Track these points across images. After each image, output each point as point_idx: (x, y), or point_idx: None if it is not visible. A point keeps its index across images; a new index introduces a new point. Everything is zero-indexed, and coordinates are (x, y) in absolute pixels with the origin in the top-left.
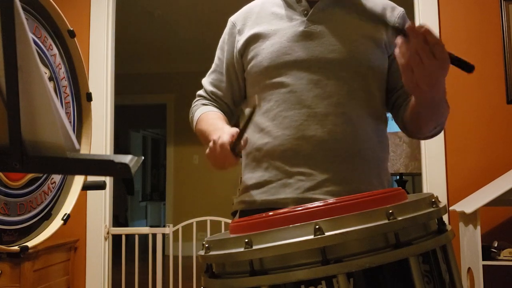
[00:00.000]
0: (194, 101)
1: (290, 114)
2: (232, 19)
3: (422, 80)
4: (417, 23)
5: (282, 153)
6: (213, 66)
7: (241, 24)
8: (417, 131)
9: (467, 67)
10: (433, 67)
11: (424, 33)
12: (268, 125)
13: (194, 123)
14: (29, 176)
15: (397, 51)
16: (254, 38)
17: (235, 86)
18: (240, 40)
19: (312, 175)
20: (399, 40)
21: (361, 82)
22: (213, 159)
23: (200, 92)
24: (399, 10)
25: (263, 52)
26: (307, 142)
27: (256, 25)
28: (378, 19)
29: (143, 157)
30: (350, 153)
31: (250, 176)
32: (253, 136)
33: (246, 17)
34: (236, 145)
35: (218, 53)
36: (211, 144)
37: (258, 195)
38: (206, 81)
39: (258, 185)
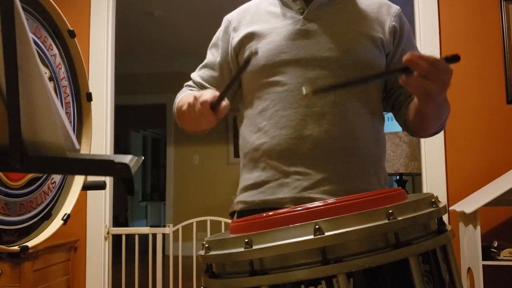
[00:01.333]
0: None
1: (286, 113)
2: (227, 17)
3: (435, 92)
4: (417, 23)
5: (279, 153)
6: (205, 61)
7: (236, 22)
8: (421, 130)
9: (455, 58)
10: (441, 79)
11: (425, 60)
12: (265, 124)
13: (176, 105)
14: (29, 176)
15: (405, 82)
16: (250, 37)
17: (226, 81)
18: (235, 38)
19: (309, 174)
20: (403, 77)
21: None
22: (190, 115)
23: (188, 83)
24: (395, 8)
25: (259, 51)
26: (304, 142)
27: (252, 23)
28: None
29: (143, 157)
30: (347, 152)
31: (248, 177)
32: (250, 136)
33: (242, 15)
34: (218, 102)
35: (211, 50)
36: (191, 100)
37: (256, 195)
38: (195, 75)
39: (256, 185)
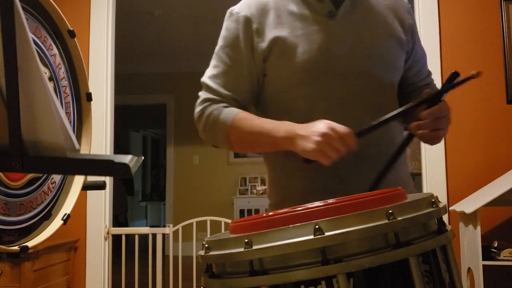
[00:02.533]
0: (205, 106)
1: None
2: (244, 13)
3: (444, 133)
4: (417, 23)
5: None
6: (223, 66)
7: (258, 22)
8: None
9: (454, 76)
10: (446, 121)
11: (427, 121)
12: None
13: (228, 124)
14: (29, 176)
15: (419, 131)
16: (279, 43)
17: (255, 88)
18: (262, 43)
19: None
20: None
21: (392, 88)
22: (329, 147)
23: (210, 95)
24: (407, 2)
25: (295, 61)
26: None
27: (277, 25)
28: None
29: (143, 157)
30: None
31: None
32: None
33: (262, 13)
34: (365, 133)
35: (227, 51)
36: (326, 130)
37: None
38: (216, 85)
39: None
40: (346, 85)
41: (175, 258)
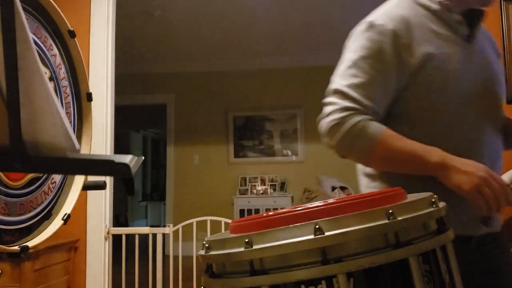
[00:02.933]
0: (347, 114)
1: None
2: (390, 27)
3: None
4: None
5: None
6: (366, 77)
7: (406, 37)
8: None
9: None
10: None
11: None
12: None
13: (376, 139)
14: (29, 176)
15: None
16: (431, 59)
17: (391, 102)
18: (411, 58)
19: None
20: None
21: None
22: (489, 193)
23: (352, 104)
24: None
25: (445, 79)
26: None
27: (424, 42)
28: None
29: (143, 157)
30: None
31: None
32: None
33: (407, 28)
34: None
35: (370, 62)
36: (487, 175)
37: None
38: (358, 95)
39: None
40: (479, 106)
41: (175, 258)
